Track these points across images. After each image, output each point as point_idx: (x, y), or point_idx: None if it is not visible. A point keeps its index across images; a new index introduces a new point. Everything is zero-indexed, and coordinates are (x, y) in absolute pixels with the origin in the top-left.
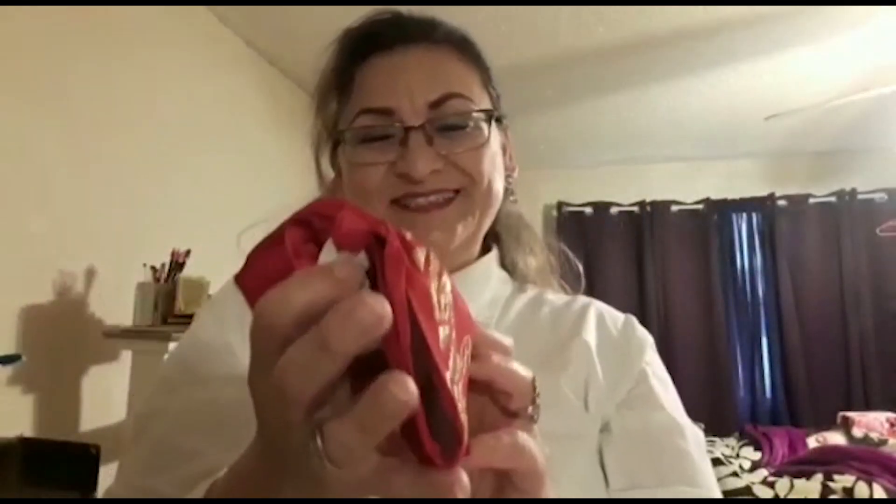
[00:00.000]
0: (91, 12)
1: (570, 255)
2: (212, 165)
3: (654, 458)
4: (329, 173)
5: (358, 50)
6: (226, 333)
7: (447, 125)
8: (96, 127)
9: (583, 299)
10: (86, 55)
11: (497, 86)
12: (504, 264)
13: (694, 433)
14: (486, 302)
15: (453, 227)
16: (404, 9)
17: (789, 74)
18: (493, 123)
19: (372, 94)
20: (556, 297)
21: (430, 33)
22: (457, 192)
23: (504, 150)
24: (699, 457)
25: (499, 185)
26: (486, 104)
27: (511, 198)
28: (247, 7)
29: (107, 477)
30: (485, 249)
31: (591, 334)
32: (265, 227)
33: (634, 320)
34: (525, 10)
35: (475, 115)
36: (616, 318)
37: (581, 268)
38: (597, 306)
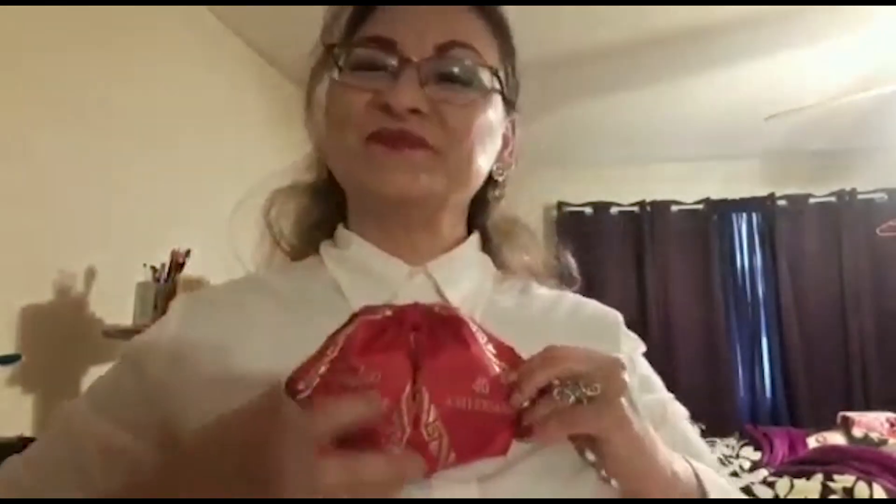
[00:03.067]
0: (91, 12)
1: (569, 259)
2: (212, 165)
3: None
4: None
5: None
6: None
7: (447, 73)
8: (96, 127)
9: (570, 296)
10: (85, 55)
11: (518, 74)
12: (494, 263)
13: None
14: (467, 291)
15: (417, 173)
16: None
17: (789, 74)
18: (499, 98)
19: (380, 25)
20: (543, 290)
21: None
22: (433, 151)
23: (505, 141)
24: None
25: (482, 163)
26: (498, 73)
27: (496, 191)
28: (247, 7)
29: None
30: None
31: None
32: (253, 203)
33: (620, 321)
34: (525, 10)
35: (484, 75)
36: (607, 314)
37: (577, 273)
38: (578, 300)
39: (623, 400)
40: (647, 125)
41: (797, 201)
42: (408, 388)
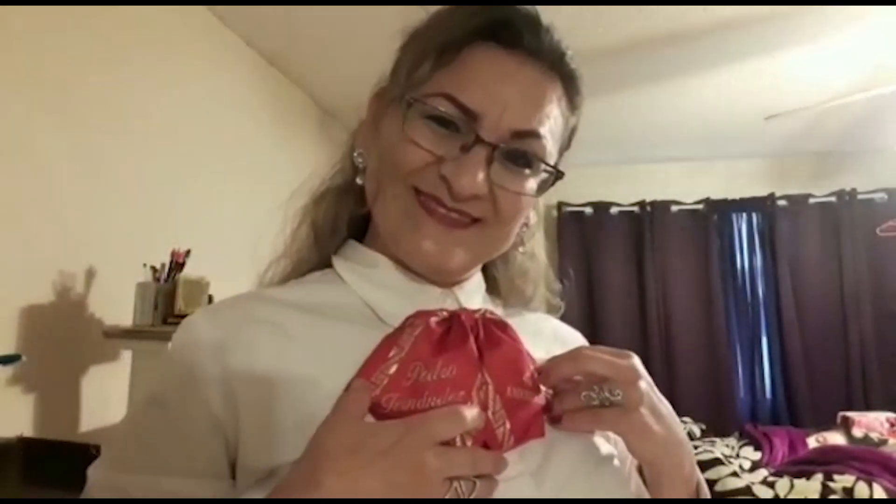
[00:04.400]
0: (91, 12)
1: (560, 292)
2: (211, 165)
3: None
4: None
5: (476, 28)
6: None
7: (515, 156)
8: (96, 127)
9: (545, 316)
10: (85, 55)
11: (572, 139)
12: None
13: None
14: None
15: (453, 249)
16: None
17: (789, 74)
18: (549, 185)
19: (465, 88)
20: (530, 315)
21: (551, 53)
22: (475, 221)
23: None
24: None
25: (513, 234)
26: (556, 157)
27: (520, 249)
28: (247, 7)
29: None
30: None
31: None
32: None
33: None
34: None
35: (544, 168)
36: (575, 333)
37: (561, 293)
38: (552, 320)
39: (643, 409)
40: (647, 125)
41: (797, 201)
42: (478, 380)
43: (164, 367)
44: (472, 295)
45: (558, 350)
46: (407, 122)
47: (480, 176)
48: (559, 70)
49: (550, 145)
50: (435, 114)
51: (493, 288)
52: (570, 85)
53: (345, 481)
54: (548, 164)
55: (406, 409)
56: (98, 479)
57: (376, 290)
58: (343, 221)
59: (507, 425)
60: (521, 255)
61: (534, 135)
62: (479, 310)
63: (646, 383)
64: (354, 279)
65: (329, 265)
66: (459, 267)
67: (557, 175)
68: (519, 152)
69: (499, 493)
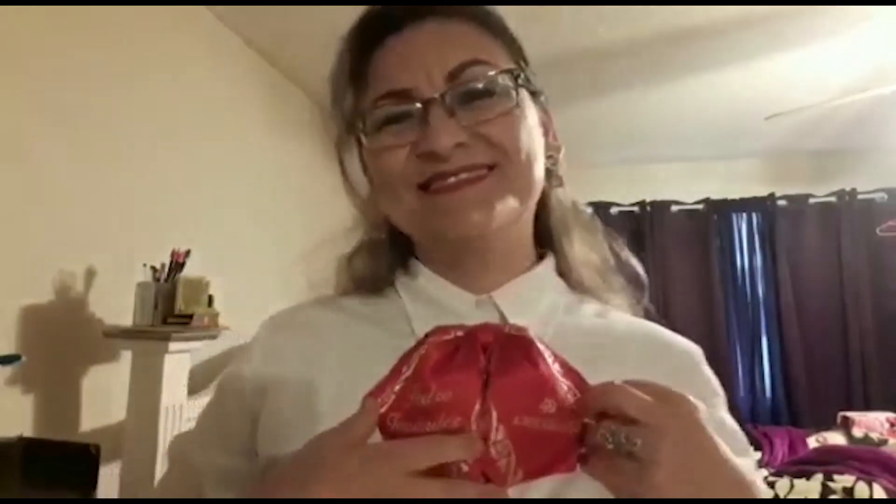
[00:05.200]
0: (91, 12)
1: (630, 256)
2: (211, 165)
3: None
4: (356, 175)
5: (367, 35)
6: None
7: (469, 92)
8: (96, 127)
9: (649, 326)
10: (85, 55)
11: (529, 61)
12: (560, 269)
13: None
14: (535, 317)
15: (491, 203)
16: None
17: (789, 74)
18: (525, 93)
19: (386, 78)
20: (620, 315)
21: (441, 7)
22: (489, 168)
23: (545, 128)
24: None
25: (537, 163)
26: (515, 72)
27: (555, 181)
28: (247, 7)
29: (107, 477)
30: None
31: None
32: (324, 250)
33: (700, 357)
34: (525, 11)
35: (500, 78)
36: (684, 352)
37: (642, 271)
38: (656, 330)
39: (664, 469)
40: (647, 125)
41: (797, 201)
42: (477, 407)
43: (240, 357)
44: (521, 299)
45: (646, 376)
46: (368, 141)
47: (450, 126)
48: (455, 14)
49: (499, 61)
50: (382, 117)
51: (567, 272)
52: (478, 16)
53: (308, 496)
54: (500, 69)
55: (405, 431)
56: (174, 442)
57: (415, 301)
58: (384, 268)
59: (513, 457)
60: (562, 193)
61: (468, 64)
62: (505, 325)
63: (682, 435)
64: (403, 291)
65: None
66: (505, 218)
67: (518, 72)
68: (468, 87)
69: None
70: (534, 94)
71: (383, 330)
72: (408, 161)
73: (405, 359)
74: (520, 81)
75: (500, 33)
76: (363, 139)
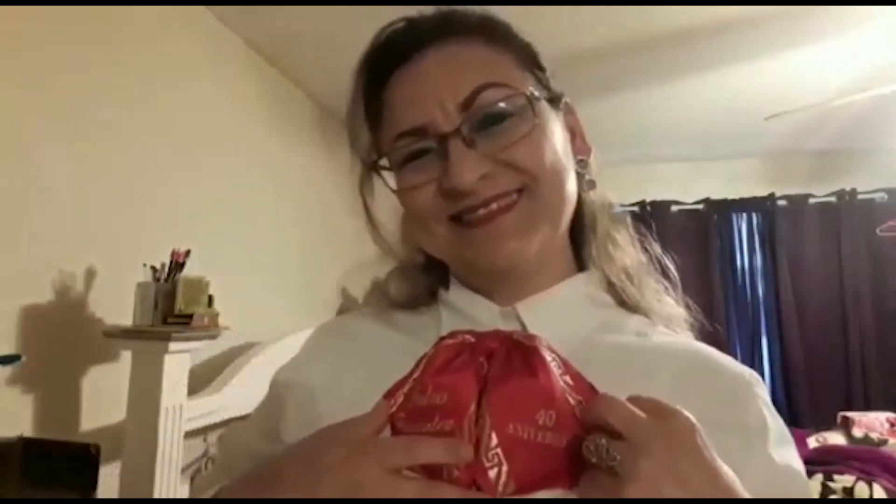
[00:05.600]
0: (91, 12)
1: (661, 256)
2: (211, 165)
3: None
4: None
5: (376, 70)
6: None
7: (485, 119)
8: (96, 126)
9: (697, 347)
10: (85, 54)
11: (544, 62)
12: (606, 281)
13: None
14: (560, 331)
15: (525, 231)
16: (419, 9)
17: (789, 74)
18: (544, 104)
19: (400, 116)
20: (666, 337)
21: (444, 29)
22: (519, 191)
23: (572, 132)
24: None
25: (568, 176)
26: (530, 85)
27: (586, 185)
28: (247, 7)
29: (107, 477)
30: (579, 260)
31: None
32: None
33: (758, 381)
34: (524, 11)
35: (515, 99)
36: (734, 377)
37: (675, 272)
38: (703, 352)
39: (640, 485)
40: (647, 125)
41: (797, 201)
42: (471, 411)
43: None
44: (546, 312)
45: (677, 402)
46: (395, 181)
47: (471, 159)
48: (463, 30)
49: (512, 79)
50: (402, 156)
51: (619, 300)
52: (485, 31)
53: (292, 483)
54: (513, 92)
55: (407, 431)
56: (230, 427)
57: (447, 312)
58: (421, 290)
59: (505, 467)
60: (594, 195)
61: (479, 90)
62: (515, 332)
63: (666, 453)
64: (442, 304)
65: None
66: (539, 244)
67: (535, 93)
68: (483, 114)
69: None
70: (553, 101)
71: (414, 338)
72: (435, 197)
73: (418, 362)
74: (536, 96)
75: (508, 44)
76: (390, 175)
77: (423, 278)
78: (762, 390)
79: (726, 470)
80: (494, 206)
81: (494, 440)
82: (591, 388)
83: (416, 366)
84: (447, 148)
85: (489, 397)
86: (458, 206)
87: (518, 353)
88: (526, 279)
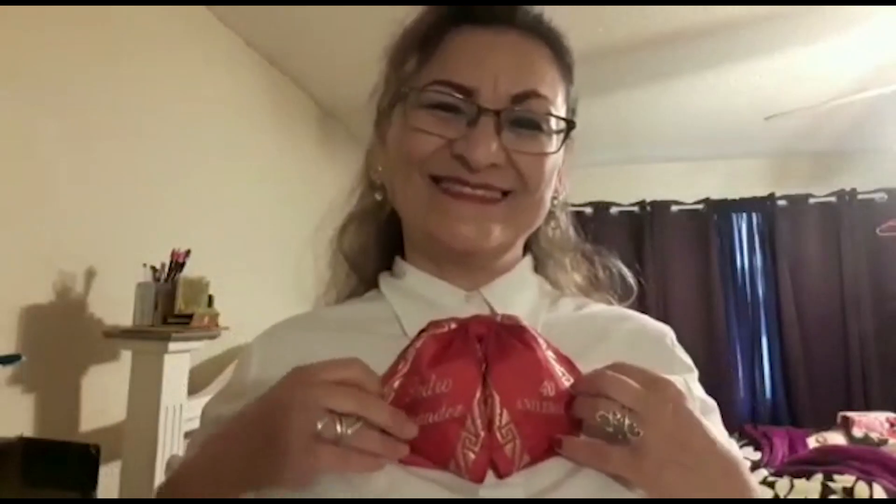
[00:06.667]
0: (91, 12)
1: (620, 269)
2: (211, 165)
3: None
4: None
5: (450, 14)
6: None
7: (523, 121)
8: (96, 127)
9: (625, 312)
10: (85, 55)
11: (575, 102)
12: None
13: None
14: (522, 312)
15: (489, 227)
16: (421, 8)
17: (789, 74)
18: (564, 139)
19: (455, 69)
20: (599, 306)
21: (528, 20)
22: (504, 194)
23: (559, 169)
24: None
25: (547, 201)
26: (568, 114)
27: (552, 222)
28: (247, 7)
29: (107, 477)
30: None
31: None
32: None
33: (672, 338)
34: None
35: (553, 120)
36: (659, 333)
37: (631, 279)
38: (632, 316)
39: (659, 456)
40: (647, 125)
41: (797, 201)
42: (478, 393)
43: (242, 355)
44: (509, 295)
45: (631, 359)
46: (409, 114)
47: (493, 144)
48: (541, 33)
49: (556, 103)
50: (434, 100)
51: (554, 284)
52: (556, 46)
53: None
54: (557, 116)
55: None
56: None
57: (403, 301)
58: (373, 244)
59: (518, 441)
60: (556, 233)
61: (533, 94)
62: (495, 315)
63: (672, 423)
64: (389, 292)
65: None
66: (498, 244)
67: (570, 126)
68: (525, 115)
69: None
70: (568, 141)
71: (373, 335)
72: (438, 152)
73: (402, 356)
74: (569, 131)
75: (568, 73)
76: (402, 110)
77: (376, 225)
78: (675, 339)
79: (709, 426)
80: (481, 192)
81: (507, 417)
82: (570, 362)
83: (400, 359)
84: (479, 120)
85: (494, 376)
86: (455, 172)
87: (507, 333)
88: (478, 266)
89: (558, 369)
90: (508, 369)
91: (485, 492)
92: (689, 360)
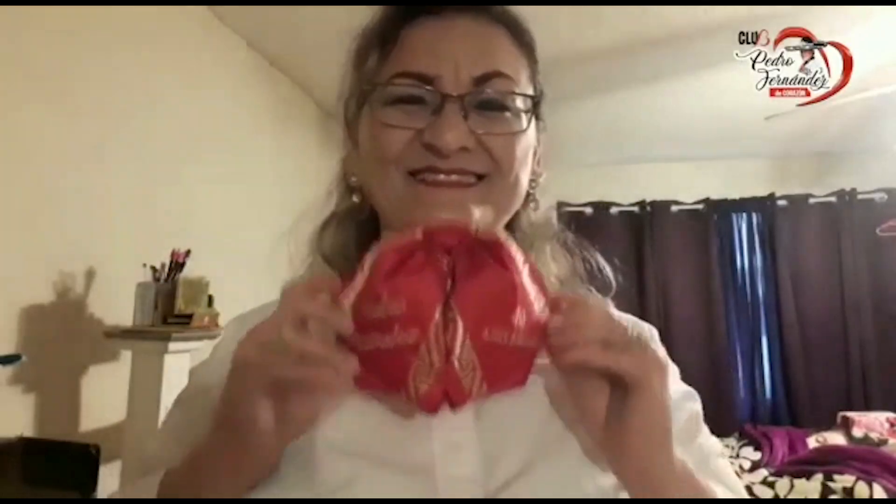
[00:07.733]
0: (91, 12)
1: (600, 262)
2: (212, 165)
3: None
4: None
5: (405, 9)
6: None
7: (487, 103)
8: (97, 127)
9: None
10: (85, 55)
11: (542, 83)
12: None
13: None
14: None
15: (467, 209)
16: None
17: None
18: (534, 118)
19: (413, 58)
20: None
21: (481, 6)
22: (480, 178)
23: (535, 153)
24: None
25: (524, 183)
26: (534, 92)
27: (532, 205)
28: (247, 7)
29: (107, 477)
30: None
31: None
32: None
33: (655, 336)
34: (524, 11)
35: (518, 99)
36: (642, 329)
37: (611, 274)
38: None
39: (648, 391)
40: (647, 125)
41: (797, 201)
42: (437, 316)
43: (209, 355)
44: None
45: None
46: (375, 112)
47: (462, 127)
48: (496, 16)
49: (520, 82)
50: (398, 94)
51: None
52: (513, 26)
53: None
54: (520, 93)
55: (359, 350)
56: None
57: None
58: (352, 245)
59: (479, 374)
60: (536, 216)
61: (495, 75)
62: (472, 225)
63: (659, 391)
64: None
65: None
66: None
67: (536, 102)
68: (489, 97)
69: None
70: (538, 121)
71: None
72: (409, 145)
73: (360, 265)
74: (536, 109)
75: (529, 52)
76: (370, 110)
77: (355, 228)
78: (656, 338)
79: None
80: (455, 177)
81: (469, 347)
82: (542, 281)
83: (357, 271)
84: (443, 107)
85: (459, 298)
86: (426, 162)
87: (482, 247)
88: None
89: (533, 293)
90: (478, 291)
91: (436, 424)
92: (667, 357)
